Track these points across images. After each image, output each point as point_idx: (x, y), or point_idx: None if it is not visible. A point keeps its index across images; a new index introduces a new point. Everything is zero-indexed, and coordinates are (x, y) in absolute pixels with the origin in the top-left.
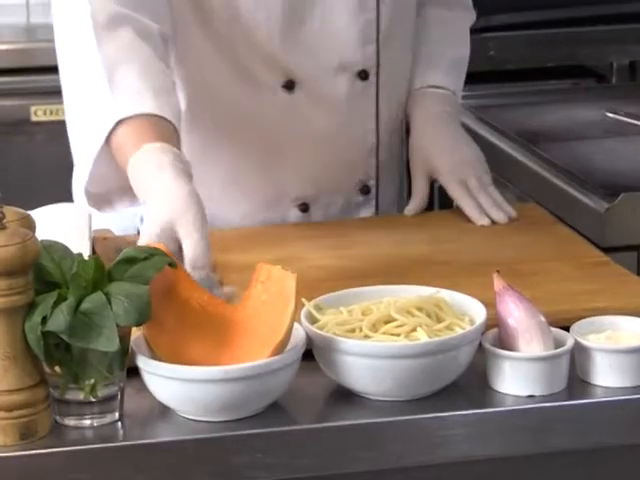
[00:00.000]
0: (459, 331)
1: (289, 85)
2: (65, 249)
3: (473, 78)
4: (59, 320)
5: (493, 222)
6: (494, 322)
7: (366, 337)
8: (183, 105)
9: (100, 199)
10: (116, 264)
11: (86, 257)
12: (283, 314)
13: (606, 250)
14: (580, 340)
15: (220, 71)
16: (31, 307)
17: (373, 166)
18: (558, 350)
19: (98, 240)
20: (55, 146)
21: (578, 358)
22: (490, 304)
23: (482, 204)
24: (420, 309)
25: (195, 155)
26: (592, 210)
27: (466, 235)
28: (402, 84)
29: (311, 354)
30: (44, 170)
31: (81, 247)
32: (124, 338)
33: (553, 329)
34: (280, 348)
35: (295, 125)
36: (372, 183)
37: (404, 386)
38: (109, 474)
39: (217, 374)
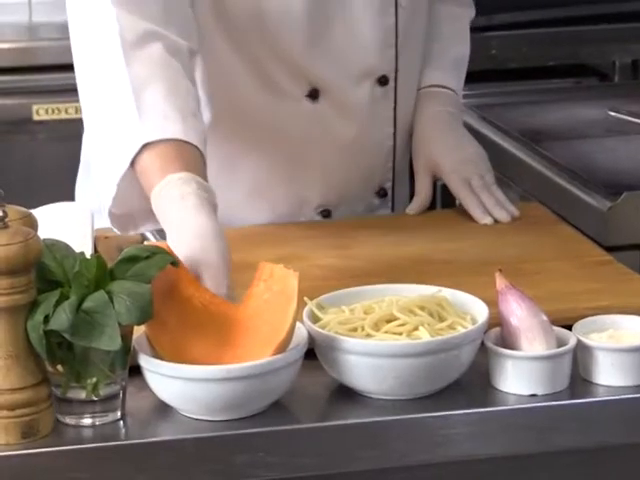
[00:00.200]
0: (461, 330)
1: (313, 94)
2: (67, 248)
3: (475, 77)
4: (61, 319)
5: (496, 221)
6: (496, 321)
7: (368, 336)
8: (208, 115)
9: (124, 220)
10: (118, 263)
11: (88, 256)
12: (285, 313)
13: (609, 249)
14: (582, 339)
15: (245, 82)
16: (33, 306)
17: (390, 169)
18: (560, 349)
19: (100, 239)
20: (57, 145)
21: (580, 357)
22: (492, 303)
23: (485, 203)
24: (422, 308)
25: (219, 165)
26: (595, 209)
27: (468, 234)
28: (416, 85)
29: (313, 353)
30: (46, 169)
31: (83, 246)
32: (126, 337)
33: (555, 328)
34: (282, 347)
35: (318, 134)
36: (389, 185)
37: (406, 385)
38: (111, 473)
39: (219, 373)
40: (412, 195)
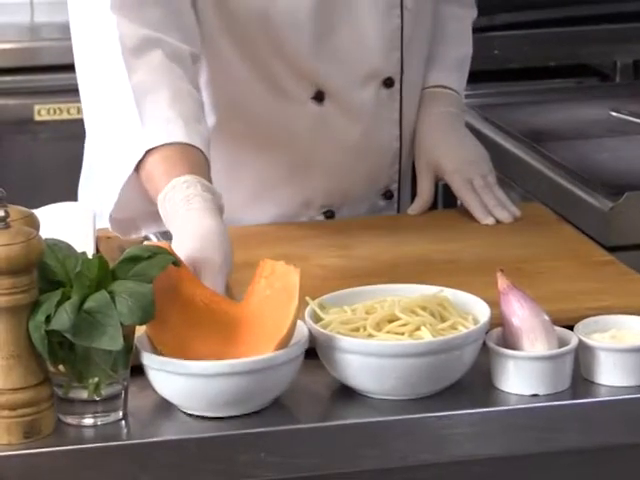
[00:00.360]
0: (463, 330)
1: (319, 96)
2: (69, 248)
3: (477, 77)
4: (63, 319)
5: (498, 221)
6: (498, 321)
7: (370, 336)
8: (213, 119)
9: (126, 225)
10: (120, 263)
11: (90, 256)
12: (287, 309)
13: (610, 249)
14: (584, 339)
15: (250, 85)
16: (35, 306)
17: (396, 171)
18: (562, 349)
19: (102, 239)
20: (59, 145)
21: (582, 357)
22: (494, 303)
23: (487, 203)
24: (424, 308)
25: (224, 165)
26: (596, 209)
27: (470, 234)
28: (420, 89)
29: (315, 353)
30: (47, 169)
31: (85, 246)
32: (128, 337)
33: (557, 328)
34: (284, 343)
35: (324, 136)
36: (395, 187)
37: (408, 385)
38: (112, 473)
39: (222, 368)
40: (414, 195)
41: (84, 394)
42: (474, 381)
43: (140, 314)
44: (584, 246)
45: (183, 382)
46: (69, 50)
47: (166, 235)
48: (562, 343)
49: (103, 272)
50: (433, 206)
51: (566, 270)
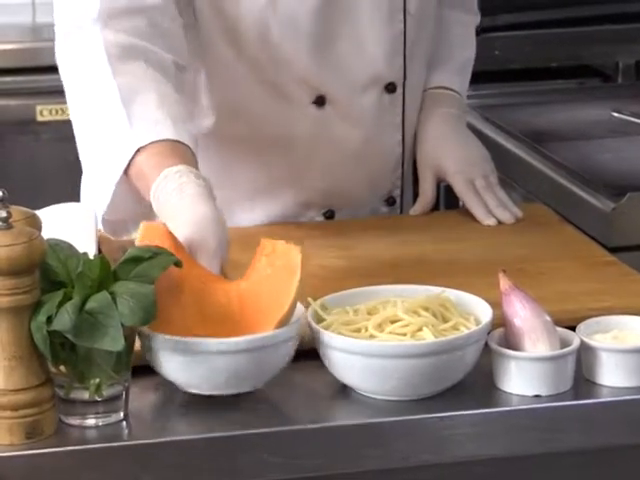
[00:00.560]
0: (465, 331)
1: (319, 101)
2: (71, 248)
3: (478, 78)
4: (64, 319)
5: (499, 222)
6: (500, 322)
7: (372, 337)
8: (211, 120)
9: (117, 226)
10: (121, 263)
11: (92, 256)
12: (288, 287)
13: (612, 250)
14: (586, 340)
15: (250, 88)
16: (37, 306)
17: (399, 177)
18: (564, 350)
19: (104, 239)
20: (61, 145)
21: (584, 358)
22: (496, 304)
23: (488, 204)
24: (426, 309)
25: (224, 166)
26: (598, 210)
27: (472, 235)
28: (421, 93)
29: (317, 353)
30: (50, 170)
31: (87, 246)
32: (129, 337)
33: (559, 329)
34: (284, 321)
35: (324, 140)
36: (397, 193)
37: (410, 386)
38: (114, 473)
39: (222, 346)
40: (416, 197)
41: (85, 395)
42: (476, 382)
43: (141, 315)
44: (586, 247)
45: (183, 360)
46: None
47: None
48: (564, 344)
49: (105, 273)
50: (435, 207)
51: (568, 271)
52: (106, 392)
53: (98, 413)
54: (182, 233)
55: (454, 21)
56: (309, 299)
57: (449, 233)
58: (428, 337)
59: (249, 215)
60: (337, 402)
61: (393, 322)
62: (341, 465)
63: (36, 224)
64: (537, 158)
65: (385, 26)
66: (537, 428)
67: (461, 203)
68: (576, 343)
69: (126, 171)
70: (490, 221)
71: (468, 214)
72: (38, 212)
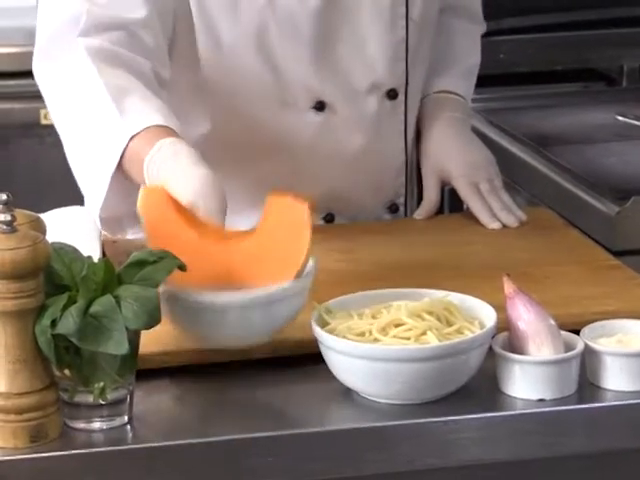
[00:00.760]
0: (469, 335)
1: (319, 106)
2: (75, 252)
3: (483, 81)
4: (69, 323)
5: (504, 226)
6: (504, 326)
7: (376, 340)
8: (208, 125)
9: (112, 224)
10: (126, 267)
11: (96, 260)
12: (299, 242)
13: (617, 254)
14: (590, 344)
15: (249, 92)
16: (41, 310)
17: (402, 184)
18: (568, 354)
19: (108, 243)
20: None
21: (588, 362)
22: (500, 308)
23: (493, 207)
24: (430, 313)
25: (222, 170)
26: (602, 213)
27: (476, 239)
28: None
29: (321, 357)
30: (54, 173)
31: (91, 250)
32: (133, 341)
33: (563, 333)
34: (301, 273)
35: (324, 145)
36: (401, 201)
37: (414, 389)
38: (118, 477)
39: (252, 299)
40: (420, 202)
41: (90, 398)
42: (480, 385)
43: (145, 318)
44: (590, 250)
45: (201, 314)
46: None
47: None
48: (568, 347)
49: (109, 276)
50: (439, 210)
51: (572, 275)
52: (110, 396)
53: (102, 417)
54: (184, 194)
55: (460, 30)
56: (314, 303)
57: (453, 237)
58: (432, 341)
59: (248, 220)
60: (341, 406)
61: (397, 326)
62: (345, 469)
63: (40, 228)
64: (541, 162)
65: (387, 32)
66: (541, 432)
67: (465, 207)
68: (580, 347)
69: (119, 165)
70: (495, 225)
71: (472, 218)
72: (42, 215)
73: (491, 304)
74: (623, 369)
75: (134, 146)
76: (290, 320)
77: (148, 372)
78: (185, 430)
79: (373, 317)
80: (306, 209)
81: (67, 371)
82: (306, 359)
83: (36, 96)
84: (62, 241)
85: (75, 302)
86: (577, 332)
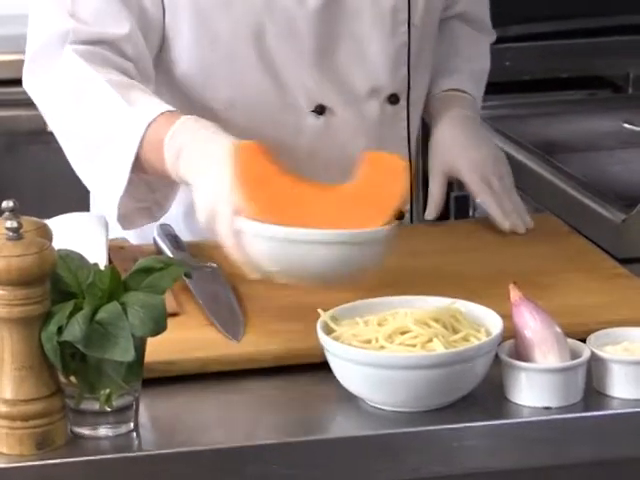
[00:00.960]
0: (475, 342)
1: (319, 110)
2: (81, 259)
3: (489, 89)
4: (75, 330)
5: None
6: (510, 334)
7: (382, 348)
8: None
9: (128, 218)
10: (132, 274)
11: (102, 267)
12: (394, 189)
13: (622, 261)
14: (596, 351)
15: (248, 94)
16: (47, 317)
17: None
18: (574, 361)
19: (114, 249)
20: None
21: (594, 369)
22: (506, 315)
23: (504, 207)
24: (436, 320)
25: None
26: (608, 221)
27: (482, 246)
28: (423, 103)
29: (327, 364)
30: (60, 180)
31: (97, 256)
32: (139, 348)
33: (569, 340)
34: (391, 221)
35: (325, 149)
36: (406, 208)
37: (420, 397)
38: None
39: (345, 237)
40: (424, 204)
41: (96, 405)
42: (486, 393)
43: (151, 325)
44: (596, 258)
45: (286, 249)
46: None
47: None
48: (574, 355)
49: (115, 283)
50: (445, 217)
51: (578, 282)
52: (116, 403)
53: (108, 424)
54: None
55: (467, 36)
56: (319, 310)
57: (459, 244)
58: (438, 348)
59: None
60: (347, 413)
61: (403, 333)
62: (351, 476)
63: (47, 234)
64: (547, 169)
65: (388, 37)
66: (547, 440)
67: (471, 213)
68: (586, 355)
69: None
70: (507, 225)
71: (478, 224)
72: (48, 222)
73: (497, 312)
74: (629, 377)
75: (152, 131)
76: (372, 266)
77: (154, 379)
78: (191, 437)
79: (379, 324)
80: (402, 162)
81: (73, 378)
82: (311, 366)
83: None
84: (68, 248)
85: (81, 309)
86: (583, 341)
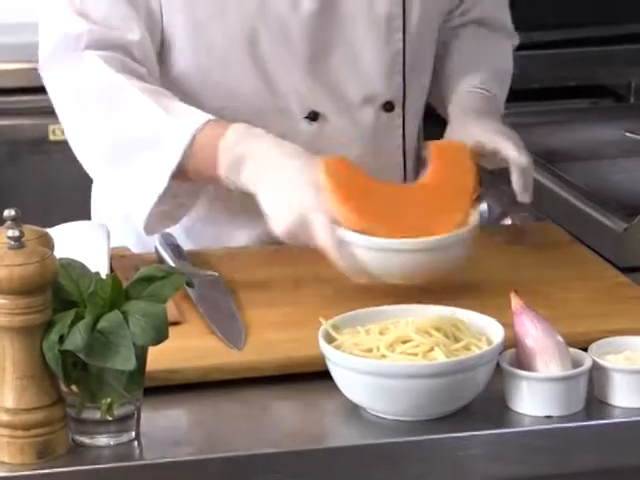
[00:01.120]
0: (477, 351)
1: (312, 116)
2: (83, 267)
3: None
4: (76, 339)
5: (510, 241)
6: (512, 342)
7: (383, 357)
8: None
9: (160, 220)
10: (133, 283)
11: (104, 275)
12: (465, 182)
13: (624, 270)
14: (598, 360)
15: (242, 101)
16: (49, 326)
17: None
18: (576, 370)
19: (116, 258)
20: (73, 165)
21: (596, 378)
22: (508, 324)
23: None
24: (438, 329)
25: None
26: (610, 230)
27: (483, 255)
28: (421, 111)
29: (328, 374)
30: (62, 189)
31: (99, 265)
32: (141, 357)
33: (571, 349)
34: (466, 222)
35: (319, 156)
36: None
37: (421, 406)
38: None
39: (429, 244)
40: None
41: (97, 414)
42: (487, 402)
43: (153, 334)
44: (598, 267)
45: (381, 255)
46: None
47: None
48: (576, 364)
49: (117, 292)
50: None
51: (580, 291)
52: (118, 412)
53: (110, 432)
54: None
55: (488, 39)
56: (320, 319)
57: None
58: (440, 357)
59: (245, 230)
60: (348, 422)
61: (404, 342)
62: None
63: (48, 243)
64: (549, 178)
65: (382, 44)
66: (549, 449)
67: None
68: (588, 363)
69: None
70: (527, 197)
71: (480, 234)
72: (50, 230)
73: (498, 320)
74: (631, 386)
75: (202, 139)
76: (457, 265)
77: (155, 388)
78: (192, 446)
79: (380, 333)
80: (467, 151)
81: (74, 387)
82: (313, 375)
83: (45, 112)
84: (70, 256)
85: (83, 318)
86: (585, 349)
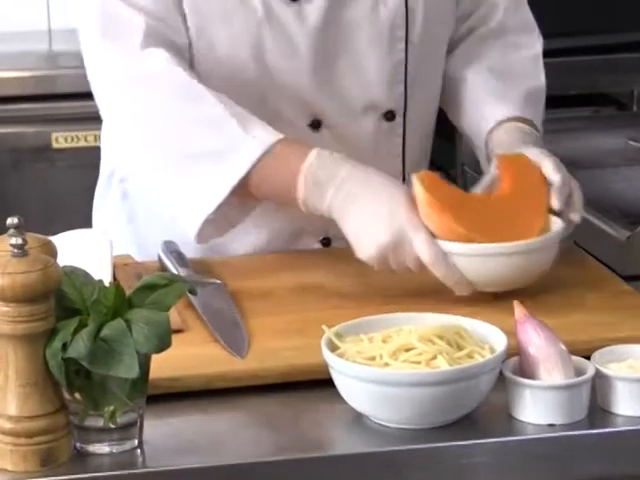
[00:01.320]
0: (480, 359)
1: (315, 124)
2: (86, 275)
3: None
4: (79, 347)
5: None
6: (515, 351)
7: (386, 365)
8: None
9: (215, 226)
10: (136, 291)
11: (107, 283)
12: (540, 197)
13: (627, 278)
14: (601, 369)
15: (246, 107)
16: (52, 334)
17: None
18: (579, 379)
19: (119, 266)
20: (76, 173)
21: (599, 387)
22: (511, 332)
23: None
24: (441, 337)
25: None
26: (613, 238)
27: None
28: (427, 123)
29: (331, 382)
30: (65, 196)
31: (102, 273)
32: (144, 365)
33: (574, 357)
34: (546, 228)
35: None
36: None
37: (424, 414)
38: None
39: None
40: None
41: (100, 422)
42: (490, 410)
43: (156, 342)
44: (601, 276)
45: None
46: (87, 78)
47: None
48: (579, 372)
49: (120, 300)
50: None
51: (583, 299)
52: (121, 419)
53: (112, 440)
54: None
55: (513, 55)
56: (324, 327)
57: None
58: (443, 365)
59: (248, 237)
60: (351, 431)
61: (408, 350)
62: None
63: (52, 251)
64: None
65: (385, 54)
66: (552, 457)
67: None
68: (591, 372)
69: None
70: (577, 218)
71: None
72: (53, 238)
73: (502, 329)
74: (633, 394)
75: (277, 156)
76: (546, 268)
77: (158, 396)
78: (195, 454)
79: (383, 341)
80: (533, 163)
81: (77, 395)
82: (316, 383)
83: (47, 120)
84: (73, 264)
85: (86, 326)
86: (587, 357)
